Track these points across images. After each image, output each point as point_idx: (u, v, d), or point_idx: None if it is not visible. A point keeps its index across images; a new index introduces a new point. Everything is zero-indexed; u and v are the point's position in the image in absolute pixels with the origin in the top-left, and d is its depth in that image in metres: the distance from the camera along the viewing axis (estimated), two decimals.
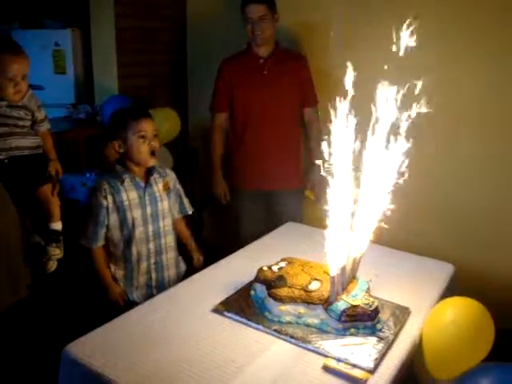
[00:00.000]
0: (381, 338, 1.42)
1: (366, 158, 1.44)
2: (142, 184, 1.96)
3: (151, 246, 1.99)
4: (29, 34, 3.53)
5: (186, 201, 2.15)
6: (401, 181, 1.46)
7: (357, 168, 1.42)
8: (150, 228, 1.98)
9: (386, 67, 1.37)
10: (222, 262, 1.98)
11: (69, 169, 1.92)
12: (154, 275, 2.01)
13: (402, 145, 1.43)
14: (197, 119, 3.65)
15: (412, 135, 1.43)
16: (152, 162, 1.96)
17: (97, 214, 1.89)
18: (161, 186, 2.02)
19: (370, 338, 1.42)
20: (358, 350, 1.37)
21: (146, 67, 3.20)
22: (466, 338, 1.43)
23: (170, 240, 2.05)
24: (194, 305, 1.62)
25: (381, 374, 1.30)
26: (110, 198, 1.90)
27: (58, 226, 1.79)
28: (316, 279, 1.54)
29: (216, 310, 1.57)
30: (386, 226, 1.49)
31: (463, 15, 2.48)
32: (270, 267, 1.63)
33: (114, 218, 1.93)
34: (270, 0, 2.55)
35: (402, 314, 1.57)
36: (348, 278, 1.51)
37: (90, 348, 1.38)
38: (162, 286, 2.01)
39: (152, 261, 2.00)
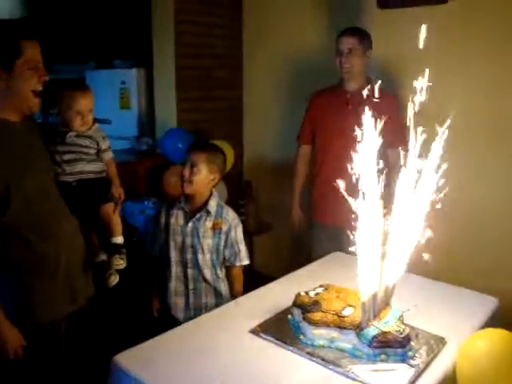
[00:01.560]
0: (411, 366, 1.45)
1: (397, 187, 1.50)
2: (189, 214, 2.12)
3: (189, 272, 2.11)
4: (100, 73, 3.87)
5: (242, 249, 2.14)
6: (439, 205, 1.49)
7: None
8: (188, 256, 2.11)
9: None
10: (266, 287, 2.06)
11: (129, 196, 2.10)
12: (191, 300, 2.13)
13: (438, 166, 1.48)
14: (251, 152, 3.82)
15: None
16: (185, 190, 2.09)
17: (155, 229, 2.19)
18: (209, 223, 2.11)
19: (400, 364, 1.45)
20: (388, 375, 1.40)
21: (204, 102, 3.42)
22: (501, 371, 1.43)
23: (208, 272, 2.12)
24: (233, 326, 1.71)
25: None
26: (163, 220, 2.16)
27: (119, 240, 1.94)
28: (350, 305, 1.59)
29: (253, 331, 1.66)
30: (424, 256, 1.53)
31: None
32: (307, 292, 1.70)
33: (162, 238, 2.16)
34: (364, 34, 2.56)
35: (436, 344, 1.58)
36: (380, 305, 1.55)
37: (136, 359, 1.51)
38: (198, 311, 2.11)
39: (190, 286, 2.12)
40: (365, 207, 1.47)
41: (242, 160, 3.78)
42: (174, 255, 2.12)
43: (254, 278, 3.33)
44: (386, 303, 1.59)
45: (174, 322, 2.02)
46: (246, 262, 2.16)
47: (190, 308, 2.13)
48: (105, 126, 2.01)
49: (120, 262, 1.88)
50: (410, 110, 1.48)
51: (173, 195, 2.90)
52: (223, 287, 2.17)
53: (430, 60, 1.60)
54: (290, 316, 1.68)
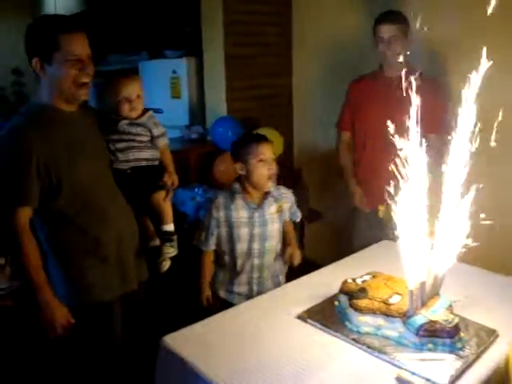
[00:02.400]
0: (460, 357, 1.42)
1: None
2: (254, 205, 2.14)
3: (255, 261, 2.16)
4: (152, 63, 3.96)
5: (298, 211, 2.30)
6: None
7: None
8: (256, 246, 2.15)
9: None
10: (313, 274, 2.07)
11: (180, 184, 2.15)
12: (255, 288, 2.19)
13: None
14: (301, 140, 3.80)
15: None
16: (268, 187, 2.12)
17: (208, 223, 2.16)
18: (274, 208, 2.17)
19: (448, 355, 1.42)
20: (434, 365, 1.38)
21: (253, 91, 3.43)
22: None
23: (271, 258, 2.20)
24: (281, 311, 1.73)
25: None
26: (221, 212, 2.14)
27: (170, 227, 1.98)
28: (397, 293, 1.57)
29: (300, 317, 1.67)
30: (472, 243, 1.49)
31: None
32: (354, 280, 1.69)
33: (223, 231, 2.16)
34: (403, 20, 2.51)
35: (487, 336, 1.53)
36: (429, 294, 1.53)
37: (185, 341, 1.56)
38: None
39: (255, 275, 2.18)
40: (410, 193, 1.43)
41: (291, 148, 3.78)
42: (239, 247, 2.15)
43: (304, 265, 3.35)
44: (435, 292, 1.56)
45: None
46: (299, 217, 2.31)
47: (253, 296, 2.14)
48: (157, 115, 2.06)
49: (170, 250, 1.93)
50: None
51: (223, 182, 2.95)
52: (282, 270, 2.28)
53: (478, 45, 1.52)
54: (336, 302, 1.68)
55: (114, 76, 1.93)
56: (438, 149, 2.50)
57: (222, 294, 2.23)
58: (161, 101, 3.70)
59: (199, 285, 2.21)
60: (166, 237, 1.94)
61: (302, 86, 3.68)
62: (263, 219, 2.14)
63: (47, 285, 1.65)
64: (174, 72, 3.68)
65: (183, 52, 3.76)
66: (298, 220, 2.32)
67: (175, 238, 1.96)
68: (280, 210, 2.19)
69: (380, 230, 2.70)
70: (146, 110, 1.96)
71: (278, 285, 2.22)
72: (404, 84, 2.47)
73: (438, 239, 1.51)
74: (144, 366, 1.73)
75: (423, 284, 1.48)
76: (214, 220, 2.15)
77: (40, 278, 1.63)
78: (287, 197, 2.24)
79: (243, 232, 2.13)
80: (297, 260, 2.22)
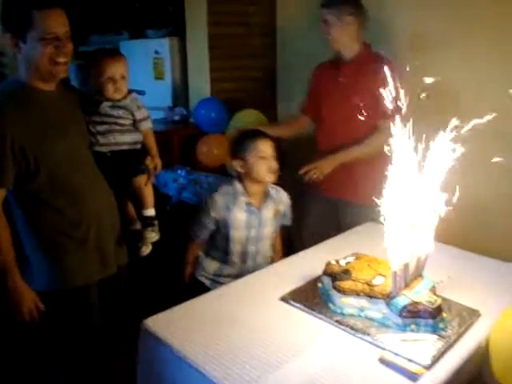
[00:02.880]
0: (442, 337, 1.42)
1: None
2: (255, 209, 2.11)
3: (250, 263, 2.17)
4: (134, 43, 3.87)
5: (290, 215, 2.26)
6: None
7: None
8: (251, 248, 2.15)
9: None
10: (297, 256, 2.06)
11: (163, 166, 2.11)
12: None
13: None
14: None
15: None
16: (269, 178, 2.07)
17: (204, 220, 2.12)
18: (272, 212, 2.15)
19: (430, 335, 1.43)
20: (417, 345, 1.39)
21: (237, 72, 3.38)
22: None
23: (263, 258, 2.20)
24: (264, 293, 1.72)
25: (437, 371, 1.30)
26: (220, 213, 2.09)
27: (151, 212, 1.95)
28: (381, 275, 1.57)
29: (283, 299, 1.66)
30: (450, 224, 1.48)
31: None
32: (337, 261, 1.68)
33: (219, 229, 2.13)
34: (340, 3, 2.42)
35: (469, 316, 1.54)
36: (412, 276, 1.53)
37: (166, 323, 1.54)
38: None
39: (245, 268, 2.15)
40: (393, 178, 1.42)
41: None
42: (234, 248, 2.13)
43: (290, 248, 3.34)
44: (418, 274, 1.56)
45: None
46: (289, 223, 2.29)
47: None
48: (139, 97, 2.01)
49: (152, 235, 1.90)
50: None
51: (205, 164, 2.92)
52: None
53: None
54: (319, 284, 1.67)
55: (98, 55, 1.88)
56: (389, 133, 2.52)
57: (207, 283, 2.21)
58: (143, 82, 3.62)
59: (184, 263, 2.22)
60: (147, 221, 1.91)
61: (286, 67, 3.63)
62: (260, 222, 2.12)
63: (16, 268, 1.60)
64: (157, 52, 3.61)
65: (166, 32, 3.68)
66: (289, 224, 2.30)
67: (156, 222, 1.92)
68: (277, 214, 2.18)
69: (332, 219, 2.66)
70: (129, 92, 1.91)
71: None
72: (355, 66, 2.47)
73: (419, 221, 1.51)
74: (126, 350, 1.71)
75: (406, 265, 1.48)
76: (210, 218, 2.11)
77: (9, 260, 1.58)
78: (284, 201, 2.22)
79: (240, 234, 2.11)
80: None
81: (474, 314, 1.56)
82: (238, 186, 2.09)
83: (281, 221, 2.25)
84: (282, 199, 2.20)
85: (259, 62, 3.53)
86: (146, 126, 1.95)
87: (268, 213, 2.13)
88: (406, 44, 2.78)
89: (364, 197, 2.46)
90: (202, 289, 2.17)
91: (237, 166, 2.08)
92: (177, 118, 3.40)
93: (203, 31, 3.18)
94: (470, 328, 1.50)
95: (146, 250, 1.90)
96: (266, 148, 2.05)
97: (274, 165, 2.06)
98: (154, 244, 1.94)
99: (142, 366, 1.57)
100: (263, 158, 2.03)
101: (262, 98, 3.56)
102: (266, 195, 2.13)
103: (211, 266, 2.19)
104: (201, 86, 3.33)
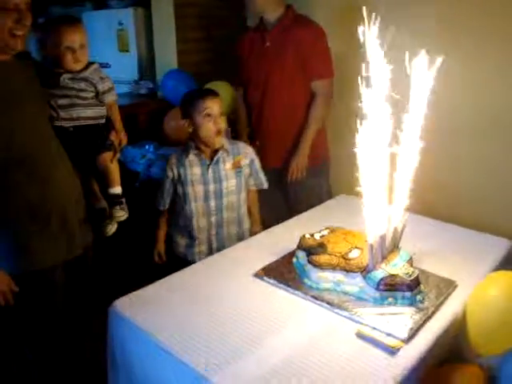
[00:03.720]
0: (420, 309, 1.40)
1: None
2: (207, 161, 2.04)
3: (212, 219, 2.09)
4: (96, 14, 3.70)
5: (262, 175, 2.19)
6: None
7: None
8: (212, 203, 2.07)
9: None
10: (269, 231, 2.01)
11: (130, 141, 2.02)
12: (214, 245, 2.12)
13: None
14: None
15: None
16: (218, 143, 2.03)
17: (164, 182, 2.09)
18: (229, 164, 2.07)
19: (408, 308, 1.40)
20: (394, 319, 1.35)
21: (205, 43, 3.25)
22: None
23: (232, 215, 2.12)
24: (237, 269, 1.67)
25: (415, 344, 1.28)
26: (175, 171, 2.06)
27: (117, 190, 1.86)
28: (357, 247, 1.53)
29: (257, 275, 1.61)
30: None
31: None
32: (312, 235, 1.64)
33: (179, 190, 2.08)
34: None
35: (446, 287, 1.52)
36: (389, 248, 1.49)
37: (135, 305, 1.47)
38: None
39: (213, 232, 2.10)
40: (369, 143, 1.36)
41: None
42: (194, 206, 2.06)
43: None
44: (395, 246, 1.53)
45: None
46: (266, 184, 2.21)
47: (213, 254, 2.08)
48: (104, 70, 1.90)
49: (121, 213, 1.82)
50: None
51: (174, 139, 2.82)
52: (246, 225, 2.19)
53: None
54: (294, 259, 1.63)
55: (54, 23, 1.75)
56: (326, 94, 2.48)
57: (182, 252, 2.14)
58: (107, 55, 3.49)
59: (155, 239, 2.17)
60: (114, 200, 1.82)
61: None
62: (218, 175, 2.05)
63: None
64: (121, 24, 3.44)
65: (130, 2, 3.51)
66: (265, 187, 2.22)
67: (124, 200, 1.83)
68: (237, 166, 2.10)
69: (279, 189, 2.60)
70: (90, 64, 1.80)
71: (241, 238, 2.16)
72: (279, 30, 2.39)
73: (395, 192, 1.46)
74: (96, 332, 1.64)
75: (383, 237, 1.44)
76: (168, 179, 2.08)
77: None
78: (246, 152, 2.14)
79: (198, 190, 2.05)
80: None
81: (450, 285, 1.54)
82: (190, 143, 2.06)
83: (253, 182, 2.17)
84: (240, 150, 2.12)
85: (228, 33, 3.40)
86: (110, 98, 1.84)
87: (225, 165, 2.06)
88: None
89: (311, 158, 2.50)
90: (180, 260, 2.11)
91: (186, 125, 2.03)
92: (143, 91, 3.27)
93: (169, 0, 3.04)
94: (448, 299, 1.48)
95: (112, 228, 1.82)
96: (212, 105, 1.99)
97: (222, 125, 2.00)
98: (124, 222, 1.86)
99: (111, 348, 1.51)
100: (209, 117, 1.98)
101: (230, 70, 3.44)
102: (217, 147, 2.05)
103: (179, 236, 2.14)
104: (167, 58, 3.20)
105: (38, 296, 1.64)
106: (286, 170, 2.50)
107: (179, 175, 2.05)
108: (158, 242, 2.17)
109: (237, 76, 2.69)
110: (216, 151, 2.05)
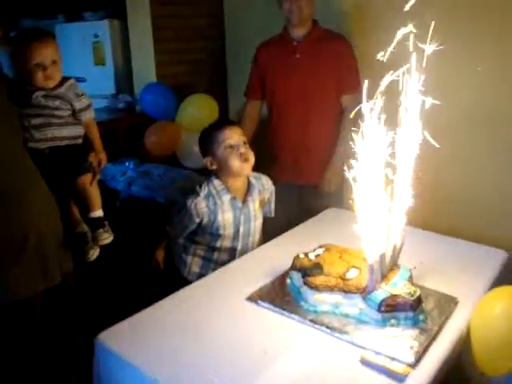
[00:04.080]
0: (424, 330, 1.33)
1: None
2: (240, 204, 1.92)
3: (236, 256, 1.99)
4: (70, 27, 3.59)
5: (273, 205, 2.11)
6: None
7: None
8: (239, 244, 1.97)
9: None
10: (259, 250, 1.93)
11: (109, 158, 1.92)
12: None
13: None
14: (237, 106, 3.60)
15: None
16: (247, 170, 1.89)
17: (186, 224, 1.91)
18: (257, 203, 1.98)
19: (411, 329, 1.34)
20: (399, 342, 1.29)
21: (184, 54, 3.18)
22: None
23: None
24: (228, 293, 1.58)
25: (423, 368, 1.21)
26: (205, 217, 1.89)
27: (98, 213, 1.77)
28: (354, 267, 1.46)
29: (250, 299, 1.53)
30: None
31: None
32: (306, 254, 1.56)
33: (205, 230, 1.93)
34: None
35: (447, 304, 1.46)
36: (388, 266, 1.43)
37: (123, 337, 1.37)
38: None
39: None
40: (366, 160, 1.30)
41: (227, 115, 3.58)
42: (222, 244, 1.95)
43: None
44: (394, 263, 1.46)
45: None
46: (273, 215, 2.14)
47: None
48: (79, 84, 1.80)
49: (105, 236, 1.72)
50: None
51: (155, 155, 2.73)
52: None
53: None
54: (288, 280, 1.55)
55: (23, 39, 1.65)
56: (353, 108, 2.44)
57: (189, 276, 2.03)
58: (82, 68, 3.35)
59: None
60: (96, 224, 1.72)
61: (235, 48, 3.46)
62: (248, 216, 1.95)
63: None
64: (96, 36, 3.35)
65: (104, 14, 3.42)
66: (272, 215, 2.14)
67: (107, 223, 1.73)
68: (263, 204, 2.03)
69: (296, 205, 2.61)
70: (65, 79, 1.70)
71: None
72: (310, 42, 2.38)
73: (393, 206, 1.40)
74: (80, 365, 1.54)
75: (382, 256, 1.37)
76: (193, 224, 1.91)
77: None
78: (267, 188, 2.05)
79: (228, 233, 1.93)
80: None
81: (451, 302, 1.49)
82: (217, 183, 1.90)
83: (264, 211, 2.10)
84: (264, 186, 2.03)
85: (207, 44, 3.34)
86: (88, 116, 1.74)
87: (254, 205, 1.97)
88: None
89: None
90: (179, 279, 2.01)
91: (209, 164, 1.90)
92: (121, 105, 3.17)
93: (146, 12, 2.95)
94: (450, 317, 1.43)
95: (94, 253, 1.71)
96: (232, 135, 1.86)
97: (246, 152, 1.86)
98: (106, 245, 1.76)
99: (98, 381, 1.40)
100: (232, 148, 1.85)
101: (211, 82, 3.38)
102: (248, 186, 1.96)
103: (194, 264, 2.01)
104: (146, 70, 3.11)
105: (15, 329, 1.53)
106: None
107: (209, 220, 1.89)
108: (159, 249, 2.09)
109: (249, 89, 2.63)
110: (248, 189, 1.94)
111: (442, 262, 1.74)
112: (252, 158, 1.88)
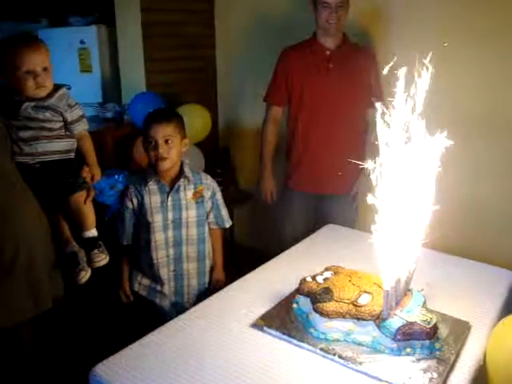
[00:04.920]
0: (441, 359, 1.27)
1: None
2: (167, 188, 1.90)
3: (171, 252, 1.93)
4: (55, 32, 3.45)
5: (224, 212, 2.04)
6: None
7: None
8: (170, 234, 1.91)
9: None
10: (260, 270, 1.84)
11: None
12: (171, 284, 1.96)
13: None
14: (227, 117, 3.53)
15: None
16: (164, 167, 1.87)
17: (123, 214, 1.94)
18: (190, 193, 1.93)
19: (428, 358, 1.27)
20: (416, 373, 1.22)
21: (174, 63, 3.08)
22: None
23: (192, 250, 1.96)
24: (231, 319, 1.49)
25: None
26: (134, 201, 1.92)
27: (92, 233, 1.66)
28: (366, 292, 1.39)
29: (255, 325, 1.44)
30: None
31: None
32: (314, 277, 1.49)
33: (139, 220, 1.92)
34: None
35: (461, 330, 1.40)
36: (402, 292, 1.36)
37: (119, 369, 1.27)
38: (179, 297, 1.97)
39: (171, 268, 1.94)
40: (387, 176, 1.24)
41: (216, 125, 3.49)
42: (153, 237, 1.89)
43: (235, 251, 3.11)
44: (407, 288, 1.40)
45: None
46: (229, 224, 2.07)
47: (170, 292, 1.96)
48: (69, 92, 1.70)
49: (102, 257, 1.60)
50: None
51: (145, 167, 2.63)
52: (208, 266, 2.03)
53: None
54: (295, 305, 1.47)
55: (11, 44, 1.53)
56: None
57: (143, 292, 1.99)
58: (67, 75, 3.18)
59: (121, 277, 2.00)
60: (90, 244, 1.61)
61: (226, 57, 3.39)
62: (178, 203, 1.90)
63: None
64: (82, 42, 3.23)
65: (91, 19, 3.31)
66: (227, 226, 2.07)
67: (101, 242, 1.63)
68: (199, 196, 1.94)
69: (315, 214, 2.56)
70: (57, 88, 1.58)
71: (203, 286, 2.02)
72: (343, 54, 2.35)
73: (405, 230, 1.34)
74: None
75: (398, 281, 1.31)
76: (128, 210, 1.93)
77: None
78: (208, 184, 1.98)
79: (157, 219, 1.89)
80: (214, 285, 2.02)
81: (465, 327, 1.43)
82: (148, 169, 1.93)
83: (213, 218, 2.01)
84: (202, 181, 1.97)
85: (198, 53, 3.26)
86: (81, 128, 1.64)
87: (186, 194, 1.91)
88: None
89: (345, 186, 2.49)
90: (143, 302, 1.98)
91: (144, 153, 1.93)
92: (109, 115, 3.06)
93: (135, 18, 2.85)
94: (465, 344, 1.37)
95: (86, 275, 1.60)
96: (155, 134, 1.84)
97: (163, 152, 1.83)
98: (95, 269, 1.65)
99: None
100: (151, 144, 1.85)
101: (201, 91, 3.30)
102: (179, 174, 1.91)
103: (140, 275, 1.99)
104: (134, 79, 3.01)
105: (3, 358, 1.42)
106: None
107: (138, 205, 1.90)
108: (124, 280, 1.99)
109: (272, 94, 2.54)
110: (177, 178, 1.90)
111: (449, 283, 1.69)
112: (169, 156, 1.84)
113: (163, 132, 1.84)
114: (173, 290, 1.96)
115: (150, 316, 1.97)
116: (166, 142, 1.84)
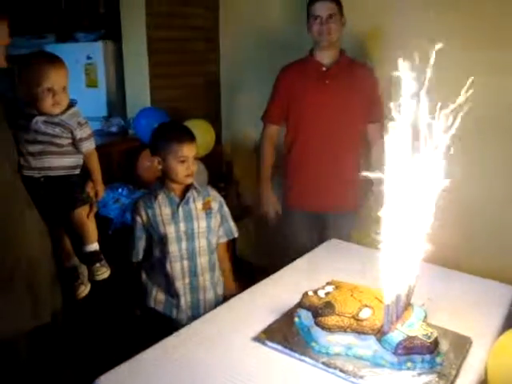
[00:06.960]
0: (442, 374, 1.27)
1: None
2: (177, 199, 1.91)
3: (185, 264, 1.93)
4: (61, 47, 3.50)
5: (232, 223, 2.07)
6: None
7: None
8: (184, 246, 1.92)
9: None
10: (262, 284, 1.85)
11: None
12: (188, 297, 1.95)
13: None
14: (230, 132, 3.57)
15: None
16: (189, 181, 1.91)
17: (133, 230, 1.95)
18: (200, 204, 1.95)
19: (429, 373, 1.28)
20: None
21: (179, 78, 3.13)
22: None
23: (204, 260, 1.97)
24: (232, 332, 1.50)
25: None
26: (144, 215, 1.91)
27: (94, 247, 1.70)
28: (366, 306, 1.40)
29: (257, 339, 1.45)
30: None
31: None
32: (315, 292, 1.50)
33: (150, 235, 1.93)
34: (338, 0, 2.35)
35: (462, 345, 1.41)
36: (403, 306, 1.37)
37: (123, 381, 1.28)
38: (196, 310, 1.95)
39: (186, 281, 1.94)
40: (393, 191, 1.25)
41: (219, 140, 3.53)
42: (169, 249, 1.90)
43: (236, 265, 3.11)
44: (408, 302, 1.41)
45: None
46: (237, 233, 2.11)
47: (187, 306, 1.95)
48: (80, 109, 1.73)
49: (103, 271, 1.64)
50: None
51: (149, 181, 2.66)
52: (219, 276, 2.05)
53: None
54: (297, 319, 1.48)
55: (34, 59, 1.57)
56: (377, 138, 2.47)
57: (159, 307, 1.98)
58: (74, 90, 3.26)
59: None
60: (92, 258, 1.63)
61: (230, 73, 3.43)
62: (189, 214, 1.92)
63: None
64: (89, 58, 3.28)
65: (98, 35, 3.36)
66: (235, 236, 2.10)
67: (102, 256, 1.65)
68: (208, 208, 1.96)
69: (318, 231, 2.56)
70: (69, 105, 1.62)
71: (219, 297, 2.03)
72: (340, 71, 2.37)
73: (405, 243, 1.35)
74: None
75: (399, 296, 1.32)
76: (138, 225, 1.93)
77: None
78: (214, 195, 2.02)
79: (170, 230, 1.89)
80: (227, 294, 2.03)
81: (466, 342, 1.44)
82: (157, 183, 1.95)
83: (222, 232, 2.04)
84: (209, 193, 2.01)
85: (203, 69, 3.30)
86: (88, 146, 1.67)
87: (195, 204, 1.93)
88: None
89: (353, 203, 2.50)
90: (158, 317, 1.96)
91: (156, 163, 1.90)
92: (114, 129, 3.09)
93: (141, 34, 2.90)
94: (466, 359, 1.37)
95: (85, 290, 1.63)
96: (188, 152, 1.87)
97: (194, 168, 1.90)
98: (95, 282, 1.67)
99: None
100: (183, 162, 1.86)
101: (205, 107, 3.34)
102: (189, 186, 1.94)
103: (155, 290, 1.97)
104: (139, 94, 3.06)
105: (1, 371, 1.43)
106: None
107: (149, 219, 1.91)
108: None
109: (269, 112, 2.56)
110: (186, 190, 1.93)
111: (450, 298, 1.69)
112: (195, 172, 1.91)
113: (189, 152, 1.87)
114: (189, 303, 1.95)
115: (167, 331, 1.97)
116: (192, 160, 1.89)
